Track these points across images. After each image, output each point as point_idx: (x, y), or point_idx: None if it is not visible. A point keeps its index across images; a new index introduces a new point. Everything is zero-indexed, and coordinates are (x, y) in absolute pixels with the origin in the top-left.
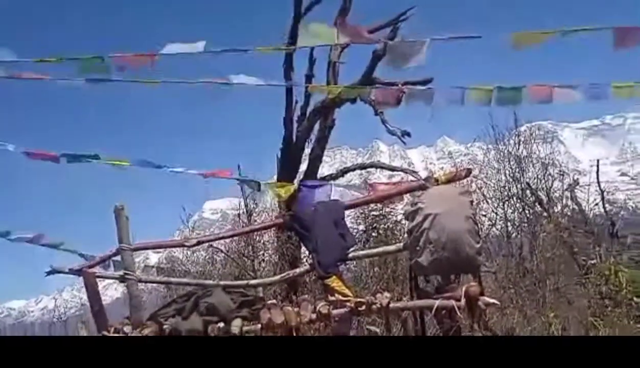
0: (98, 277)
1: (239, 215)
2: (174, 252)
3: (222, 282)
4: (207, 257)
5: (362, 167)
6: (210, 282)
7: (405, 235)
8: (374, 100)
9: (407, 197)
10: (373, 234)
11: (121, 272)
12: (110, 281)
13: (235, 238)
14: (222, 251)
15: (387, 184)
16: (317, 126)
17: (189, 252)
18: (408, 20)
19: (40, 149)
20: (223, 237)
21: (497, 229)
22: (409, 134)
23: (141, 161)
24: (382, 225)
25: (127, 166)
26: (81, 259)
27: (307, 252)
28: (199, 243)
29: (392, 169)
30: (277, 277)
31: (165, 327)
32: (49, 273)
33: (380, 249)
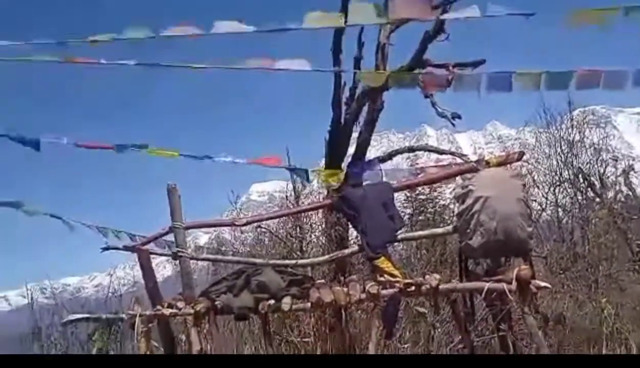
0: (151, 254)
1: (286, 196)
2: (223, 233)
3: (272, 261)
4: (255, 237)
5: (411, 149)
6: (261, 260)
7: (455, 218)
8: (423, 82)
9: (457, 180)
10: (420, 217)
11: (174, 250)
12: (162, 259)
13: (283, 219)
14: (270, 232)
15: (436, 166)
16: (365, 109)
17: (237, 233)
18: None
19: (92, 141)
20: (271, 217)
21: (547, 214)
22: (459, 116)
23: (189, 154)
24: (430, 209)
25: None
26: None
27: (354, 234)
28: (248, 223)
29: (441, 152)
30: (325, 257)
31: (217, 303)
32: (104, 249)
33: (429, 231)
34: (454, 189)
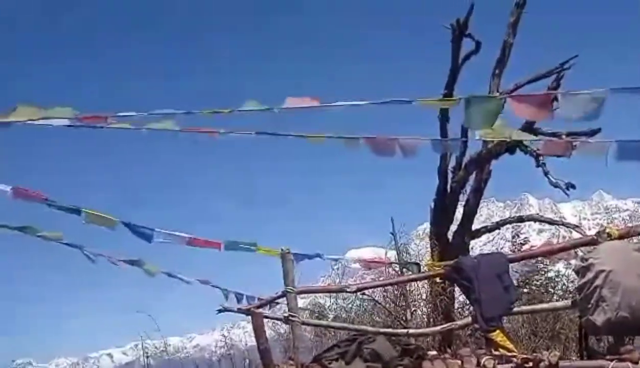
0: (265, 317)
1: (390, 264)
2: (318, 298)
3: (383, 329)
4: (359, 304)
5: (520, 219)
6: (372, 328)
7: (575, 292)
8: (538, 150)
9: (575, 252)
10: (524, 290)
11: (286, 314)
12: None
13: (386, 287)
14: (374, 300)
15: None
16: (472, 177)
17: (335, 298)
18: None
19: (203, 237)
20: (381, 285)
21: None
22: (573, 186)
23: (299, 255)
24: (535, 281)
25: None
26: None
27: (459, 305)
28: (358, 290)
29: (552, 222)
30: (437, 328)
31: None
32: (220, 311)
33: (548, 305)
34: (559, 261)
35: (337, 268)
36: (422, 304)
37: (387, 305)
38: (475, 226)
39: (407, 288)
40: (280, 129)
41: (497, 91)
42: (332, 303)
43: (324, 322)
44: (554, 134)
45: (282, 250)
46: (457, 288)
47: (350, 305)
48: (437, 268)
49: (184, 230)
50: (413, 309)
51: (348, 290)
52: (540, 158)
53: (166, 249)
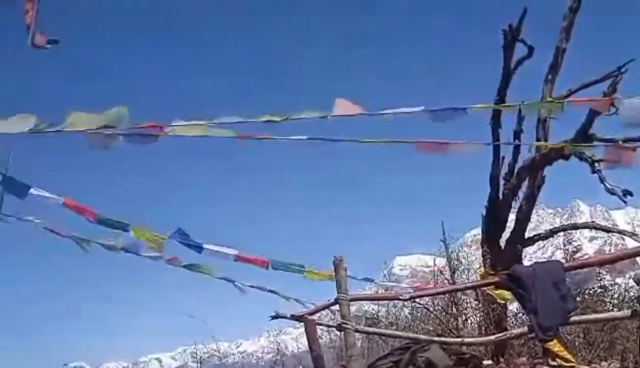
0: (318, 324)
1: (440, 272)
2: (364, 306)
3: (437, 338)
4: (399, 310)
5: (575, 227)
6: (425, 336)
7: (635, 301)
8: (593, 157)
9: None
10: (577, 298)
11: (339, 321)
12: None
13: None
14: (426, 308)
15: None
16: (525, 184)
17: (379, 305)
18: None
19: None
20: (436, 293)
21: None
22: (630, 194)
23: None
24: (588, 290)
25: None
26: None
27: (511, 314)
28: (412, 298)
29: (608, 230)
30: (492, 337)
31: None
32: (273, 317)
33: (605, 315)
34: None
35: (385, 276)
36: (473, 312)
37: (438, 313)
38: (527, 233)
39: (458, 296)
40: (331, 134)
41: (550, 97)
42: (380, 311)
43: (376, 330)
44: (610, 140)
45: (335, 258)
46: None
47: (399, 313)
48: (492, 277)
49: (234, 239)
50: (464, 318)
51: (401, 298)
52: (597, 164)
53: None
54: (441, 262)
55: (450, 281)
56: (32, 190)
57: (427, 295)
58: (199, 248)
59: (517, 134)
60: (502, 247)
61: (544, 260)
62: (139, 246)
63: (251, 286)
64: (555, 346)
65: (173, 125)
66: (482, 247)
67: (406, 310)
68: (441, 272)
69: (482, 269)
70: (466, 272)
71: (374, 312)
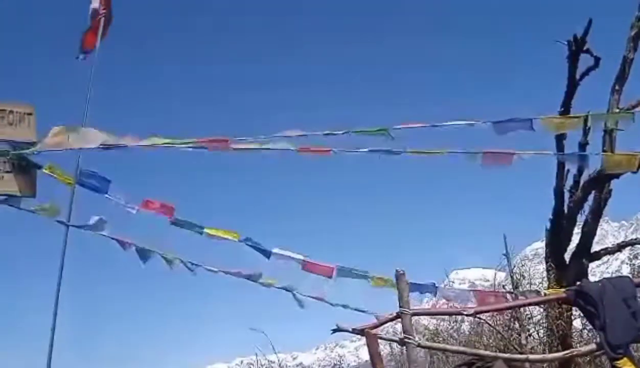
0: (380, 339)
1: (503, 286)
2: (420, 319)
3: (501, 354)
4: (457, 324)
5: None
6: (489, 353)
7: None
8: None
9: None
10: None
11: (401, 336)
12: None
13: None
14: (488, 323)
15: None
16: (591, 197)
17: (437, 320)
18: None
19: (318, 260)
20: (502, 309)
21: None
22: None
23: (414, 284)
24: None
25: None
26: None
27: (577, 330)
28: (476, 313)
29: None
30: (559, 354)
31: None
32: (334, 331)
33: None
34: None
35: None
36: (536, 328)
37: (500, 328)
38: (592, 247)
39: (521, 311)
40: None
41: (617, 107)
42: (439, 324)
43: (440, 345)
44: None
45: (396, 271)
46: (574, 312)
47: (458, 327)
48: (558, 292)
49: (298, 250)
50: (527, 333)
51: (465, 313)
52: None
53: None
54: (501, 276)
55: (514, 296)
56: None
57: (491, 311)
58: (267, 253)
59: (582, 146)
60: (567, 262)
61: (608, 275)
62: (193, 268)
63: (310, 296)
64: (625, 365)
65: (238, 139)
66: (546, 262)
67: (466, 325)
68: (503, 286)
69: (547, 284)
70: (529, 286)
71: (433, 327)
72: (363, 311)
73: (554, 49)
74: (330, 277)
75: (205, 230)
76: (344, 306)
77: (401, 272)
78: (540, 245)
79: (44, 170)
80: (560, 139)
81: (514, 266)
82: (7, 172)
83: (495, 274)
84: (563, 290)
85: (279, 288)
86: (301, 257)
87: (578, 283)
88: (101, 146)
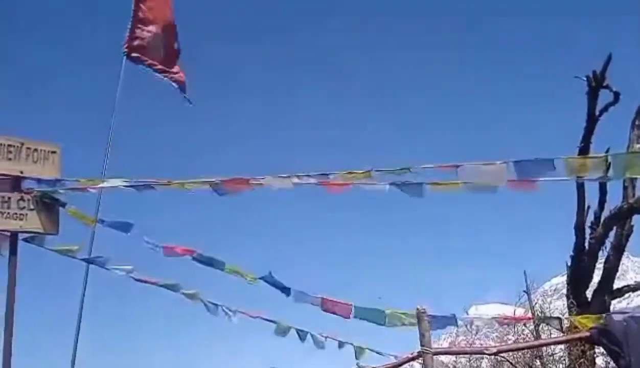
0: None
1: (524, 324)
2: (440, 356)
3: None
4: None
5: None
6: None
7: None
8: None
9: None
10: None
11: None
12: None
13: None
14: (508, 361)
15: None
16: (612, 233)
17: (456, 357)
18: None
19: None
20: (525, 348)
21: None
22: None
23: (434, 317)
24: None
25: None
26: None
27: None
28: (498, 352)
29: None
30: None
31: None
32: None
33: None
34: None
35: (461, 327)
36: (558, 366)
37: (520, 366)
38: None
39: (543, 349)
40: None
41: (638, 142)
42: (458, 362)
43: None
44: None
45: (417, 309)
46: (597, 351)
47: (478, 364)
48: (582, 324)
49: (317, 288)
50: None
51: (487, 352)
52: None
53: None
54: (521, 312)
55: (535, 334)
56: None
57: (514, 350)
58: (287, 290)
59: (602, 183)
60: (589, 299)
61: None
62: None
63: (328, 337)
64: None
65: (258, 178)
66: (568, 299)
67: (486, 362)
68: (525, 324)
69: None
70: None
71: (454, 364)
72: (381, 353)
73: (573, 83)
74: (348, 316)
75: (227, 266)
76: (361, 348)
77: (422, 309)
78: (559, 281)
79: (67, 211)
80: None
81: (535, 303)
82: (31, 209)
83: (515, 311)
84: (586, 328)
85: (298, 330)
86: (320, 296)
87: (602, 321)
88: (122, 186)
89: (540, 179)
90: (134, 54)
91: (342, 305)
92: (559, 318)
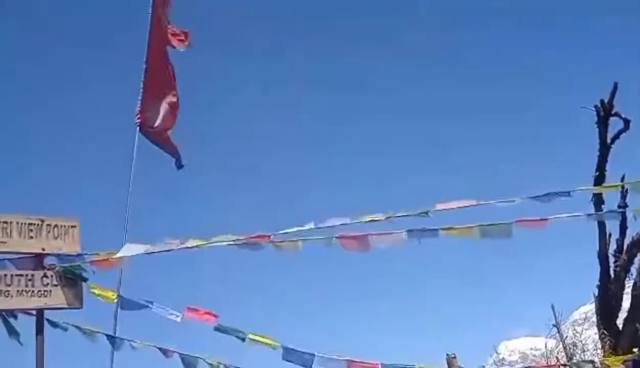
0: None
1: (557, 358)
2: None
3: None
4: None
5: None
6: None
7: None
8: None
9: None
10: None
11: None
12: None
13: None
14: None
15: None
16: (636, 260)
17: None
18: None
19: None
20: None
21: None
22: None
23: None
24: None
25: None
26: None
27: None
28: None
29: None
30: None
31: None
32: None
33: None
34: None
35: (495, 363)
36: None
37: None
38: None
39: None
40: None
41: None
42: None
43: None
44: None
45: (447, 355)
46: None
47: None
48: (615, 364)
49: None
50: None
51: None
52: None
53: None
54: (552, 343)
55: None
56: (152, 307)
57: None
58: (311, 355)
59: (620, 209)
60: (620, 328)
61: None
62: None
63: None
64: None
65: (278, 234)
66: (599, 329)
67: None
68: (557, 358)
69: (600, 352)
70: (582, 354)
71: None
72: None
73: (584, 112)
74: None
75: (249, 336)
76: None
77: (452, 355)
78: (588, 309)
79: (90, 289)
80: (598, 204)
81: (566, 336)
82: (55, 285)
83: (546, 344)
84: (620, 361)
85: None
86: (345, 358)
87: (636, 352)
88: (144, 253)
89: (550, 217)
90: (145, 128)
91: (370, 366)
92: (592, 361)
